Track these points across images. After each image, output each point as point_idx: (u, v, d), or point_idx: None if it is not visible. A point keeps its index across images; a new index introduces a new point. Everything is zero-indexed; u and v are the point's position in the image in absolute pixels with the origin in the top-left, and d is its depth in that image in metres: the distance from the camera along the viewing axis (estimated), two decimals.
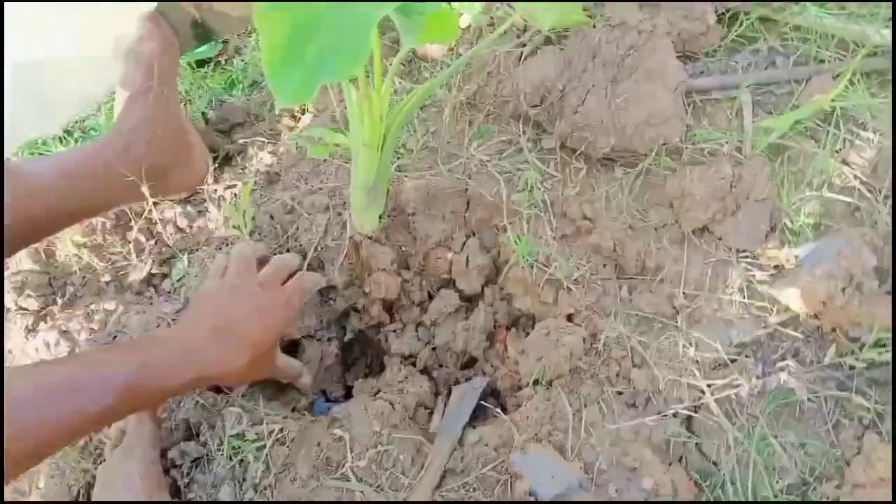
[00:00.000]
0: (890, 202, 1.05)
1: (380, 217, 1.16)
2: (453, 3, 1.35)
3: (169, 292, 1.26)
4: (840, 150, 1.11)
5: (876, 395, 0.95)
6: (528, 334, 1.13)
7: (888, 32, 1.12)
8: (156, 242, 1.32)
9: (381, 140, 1.04)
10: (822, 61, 1.18)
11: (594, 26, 1.17)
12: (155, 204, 1.28)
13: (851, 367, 0.96)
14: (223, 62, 1.80)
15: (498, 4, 1.36)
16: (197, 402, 1.09)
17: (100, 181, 1.18)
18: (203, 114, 1.62)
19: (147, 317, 1.19)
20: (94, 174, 1.17)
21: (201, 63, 1.77)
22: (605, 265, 1.11)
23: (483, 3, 1.36)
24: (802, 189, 1.08)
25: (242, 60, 1.75)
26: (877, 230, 1.03)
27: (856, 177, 1.09)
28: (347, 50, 0.76)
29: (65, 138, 1.61)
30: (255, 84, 1.70)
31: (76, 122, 1.67)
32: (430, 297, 1.22)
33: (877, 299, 0.94)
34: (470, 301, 1.22)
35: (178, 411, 1.09)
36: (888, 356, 0.93)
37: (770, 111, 1.18)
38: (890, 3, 1.18)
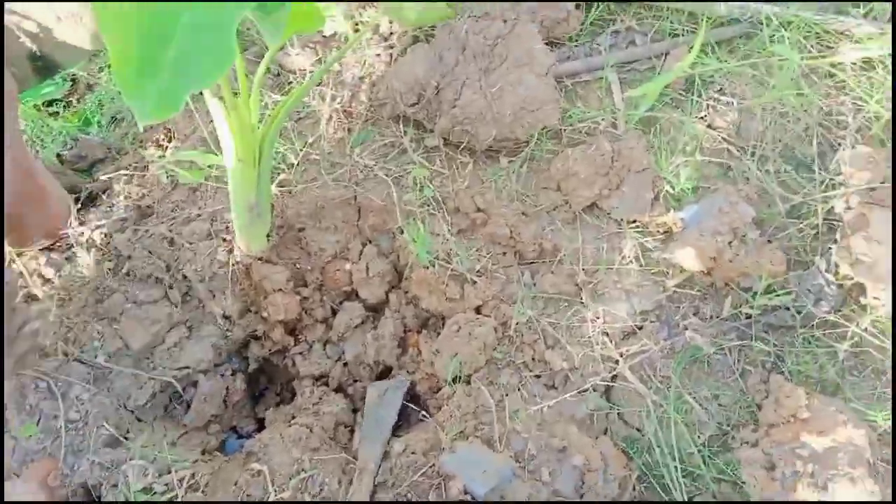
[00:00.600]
0: (757, 159, 1.12)
1: (267, 236, 1.11)
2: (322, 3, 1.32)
3: (43, 349, 1.14)
4: (705, 115, 1.16)
5: (773, 338, 1.00)
6: (439, 334, 1.12)
7: (733, 3, 1.20)
8: (24, 298, 1.20)
9: (256, 153, 0.99)
10: (676, 35, 1.24)
11: (458, 19, 1.17)
12: (15, 256, 1.17)
13: (748, 316, 1.01)
14: (75, 101, 1.68)
15: (361, 8, 1.34)
16: (93, 461, 0.99)
17: None
18: (58, 155, 1.49)
19: (21, 380, 1.07)
20: None
21: (50, 103, 1.64)
22: (504, 253, 1.11)
23: (346, 7, 1.33)
24: (677, 155, 1.13)
25: (96, 98, 1.64)
26: (750, 185, 1.09)
27: (723, 139, 1.15)
28: (211, 51, 0.71)
29: None
30: (114, 120, 1.59)
31: None
32: (334, 311, 1.18)
33: (760, 248, 0.99)
34: (375, 310, 1.19)
35: (73, 475, 0.99)
36: (779, 300, 0.98)
37: (636, 87, 1.22)
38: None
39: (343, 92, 1.29)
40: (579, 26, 1.26)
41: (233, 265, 1.11)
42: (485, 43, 1.12)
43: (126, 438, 1.04)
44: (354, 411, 1.14)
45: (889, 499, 0.85)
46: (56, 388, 1.06)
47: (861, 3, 1.19)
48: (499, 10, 1.13)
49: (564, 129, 1.18)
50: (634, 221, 1.11)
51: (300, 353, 1.16)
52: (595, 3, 1.26)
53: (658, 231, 1.10)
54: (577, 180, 1.11)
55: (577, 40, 1.28)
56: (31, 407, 1.05)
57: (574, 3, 1.24)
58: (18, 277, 1.17)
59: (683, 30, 1.24)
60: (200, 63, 0.72)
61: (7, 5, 1.15)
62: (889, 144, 1.06)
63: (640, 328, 1.04)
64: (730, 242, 0.98)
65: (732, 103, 1.17)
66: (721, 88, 1.19)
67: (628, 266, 1.08)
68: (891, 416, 0.94)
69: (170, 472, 0.98)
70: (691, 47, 1.16)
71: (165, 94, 0.71)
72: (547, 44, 1.23)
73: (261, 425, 1.18)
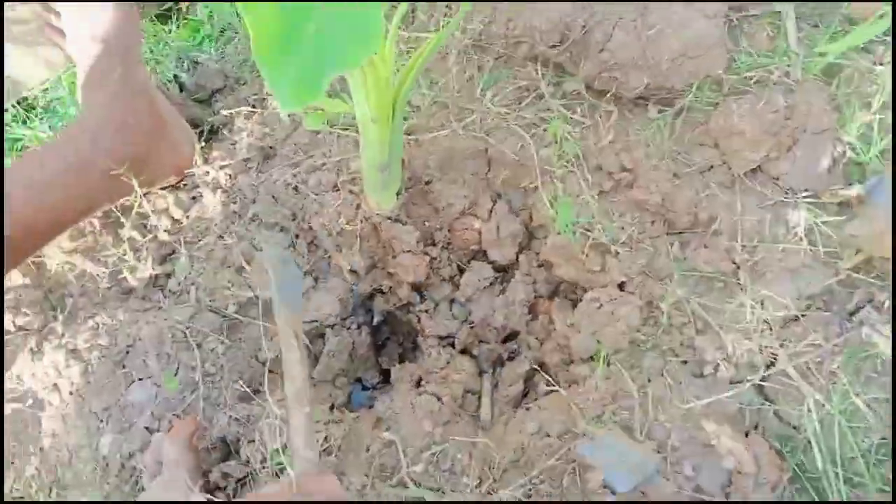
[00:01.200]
0: None
1: (397, 193, 1.05)
2: None
3: (177, 293, 1.16)
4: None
5: None
6: (573, 302, 1.05)
7: None
8: (153, 238, 1.21)
9: (390, 111, 0.92)
10: None
11: None
12: (143, 195, 1.17)
13: None
14: (185, 9, 1.63)
15: None
16: (230, 417, 1.02)
17: (75, 183, 1.06)
18: (175, 77, 1.47)
19: (159, 326, 1.09)
20: (66, 177, 1.05)
21: (161, 16, 1.60)
22: (652, 222, 1.01)
23: None
24: (864, 112, 0.97)
25: (206, 7, 1.58)
26: None
27: None
28: (355, 26, 0.62)
29: (29, 117, 1.46)
30: (223, 32, 1.54)
31: (39, 94, 1.52)
32: (461, 270, 1.13)
33: None
34: (504, 271, 1.13)
35: (213, 429, 1.02)
36: None
37: (816, 24, 1.05)
38: None
39: (473, 25, 1.18)
40: None
41: (360, 221, 1.07)
42: None
43: (258, 392, 1.06)
44: (480, 374, 1.11)
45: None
46: (191, 339, 1.08)
47: None
48: None
49: (728, 78, 1.03)
50: (805, 190, 0.98)
51: (426, 312, 1.13)
52: None
53: (833, 203, 0.96)
54: (742, 140, 0.97)
55: None
56: (168, 356, 1.07)
57: None
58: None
59: None
60: (343, 40, 0.63)
61: None
62: None
63: (804, 315, 0.93)
64: None
65: None
66: None
67: (795, 243, 0.96)
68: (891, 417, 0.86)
69: None
70: None
71: (304, 77, 0.63)
72: None
73: (384, 376, 1.18)
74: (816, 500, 0.87)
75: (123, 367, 1.10)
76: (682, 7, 0.97)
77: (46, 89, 1.53)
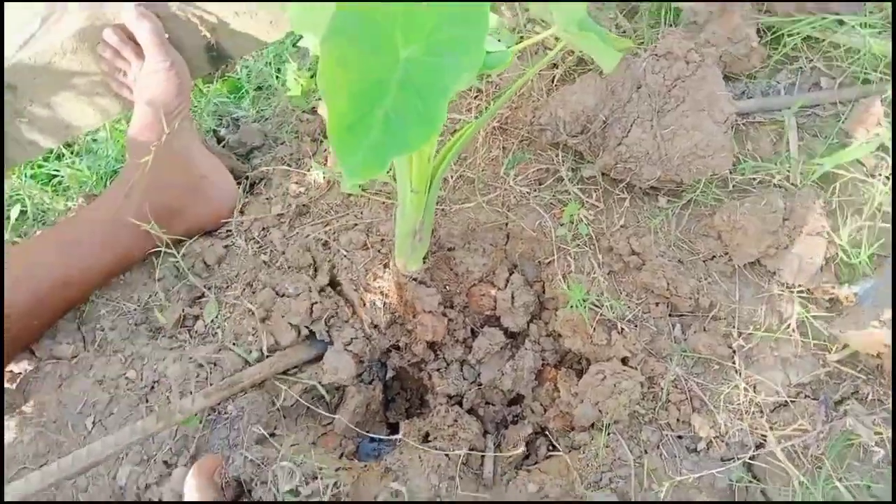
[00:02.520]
0: None
1: (424, 258, 1.13)
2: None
3: (203, 335, 1.23)
4: (889, 175, 1.08)
5: None
6: (578, 372, 1.12)
7: None
8: (185, 281, 1.28)
9: (428, 184, 1.00)
10: (868, 82, 1.15)
11: (636, 55, 1.13)
12: (179, 241, 1.25)
13: None
14: (226, 67, 1.74)
15: (524, 22, 1.32)
16: (245, 458, 1.07)
17: (105, 240, 1.15)
18: (214, 131, 1.57)
19: (184, 365, 1.15)
20: (96, 235, 1.15)
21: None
22: (657, 304, 1.09)
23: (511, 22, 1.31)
24: (855, 218, 1.06)
25: (246, 66, 1.70)
26: None
27: None
28: (419, 114, 0.71)
29: (64, 154, 1.55)
30: (260, 89, 1.66)
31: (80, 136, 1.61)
32: (474, 333, 1.20)
33: None
34: (514, 337, 1.20)
35: (228, 468, 1.06)
36: None
37: (815, 134, 1.15)
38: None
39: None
40: (761, 63, 1.19)
41: (387, 280, 1.14)
42: (663, 82, 1.08)
43: (273, 435, 1.11)
44: (485, 434, 1.17)
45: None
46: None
47: None
48: (682, 50, 1.08)
49: (734, 177, 1.13)
50: (799, 286, 1.06)
51: (437, 371, 1.19)
52: (782, 41, 1.18)
53: (824, 299, 1.04)
54: (743, 235, 1.06)
55: (755, 77, 1.21)
56: (191, 395, 1.13)
57: (758, 39, 1.16)
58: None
59: (877, 78, 1.14)
60: (408, 126, 0.71)
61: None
62: None
63: (793, 402, 1.00)
64: None
65: None
66: None
67: (788, 334, 1.03)
68: (891, 420, 0.92)
69: (315, 479, 1.04)
70: (884, 97, 1.08)
71: (372, 154, 0.71)
72: (723, 78, 1.17)
73: (392, 430, 1.23)
74: (815, 501, 0.92)
75: (147, 401, 1.15)
76: (695, 112, 1.08)
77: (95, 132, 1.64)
